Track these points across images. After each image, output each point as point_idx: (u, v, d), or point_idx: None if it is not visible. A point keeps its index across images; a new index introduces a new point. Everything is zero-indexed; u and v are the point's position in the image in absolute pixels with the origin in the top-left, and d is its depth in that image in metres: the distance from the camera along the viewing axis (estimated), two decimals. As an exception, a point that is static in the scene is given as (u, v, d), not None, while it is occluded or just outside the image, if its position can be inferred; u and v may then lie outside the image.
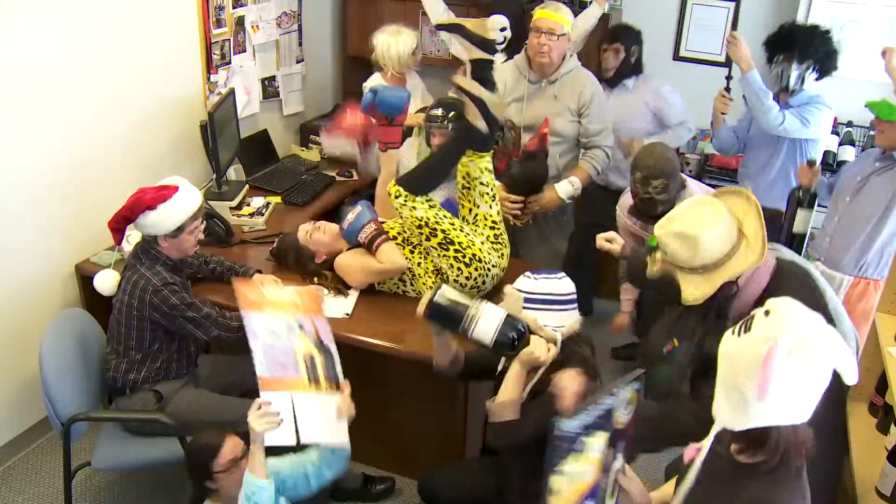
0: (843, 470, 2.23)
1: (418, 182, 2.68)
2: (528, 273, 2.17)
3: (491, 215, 2.77)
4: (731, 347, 1.38)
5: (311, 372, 2.06)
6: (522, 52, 3.22)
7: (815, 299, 1.95)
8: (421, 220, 2.65)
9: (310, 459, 2.13)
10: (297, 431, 1.95)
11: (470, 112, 2.63)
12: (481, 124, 2.62)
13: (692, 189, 2.82)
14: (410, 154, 3.47)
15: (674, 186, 2.74)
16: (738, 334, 1.37)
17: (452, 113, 3.09)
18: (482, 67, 2.68)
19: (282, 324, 2.06)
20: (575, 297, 2.17)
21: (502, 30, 3.60)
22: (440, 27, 2.86)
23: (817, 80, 3.25)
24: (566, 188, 3.16)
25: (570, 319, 2.14)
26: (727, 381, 1.38)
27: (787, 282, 1.97)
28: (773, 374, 1.29)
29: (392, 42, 3.67)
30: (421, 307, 2.05)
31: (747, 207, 1.93)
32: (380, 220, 2.79)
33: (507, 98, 3.19)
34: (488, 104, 2.61)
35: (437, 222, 2.65)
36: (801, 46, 3.17)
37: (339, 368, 2.14)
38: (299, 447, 2.06)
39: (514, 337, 2.00)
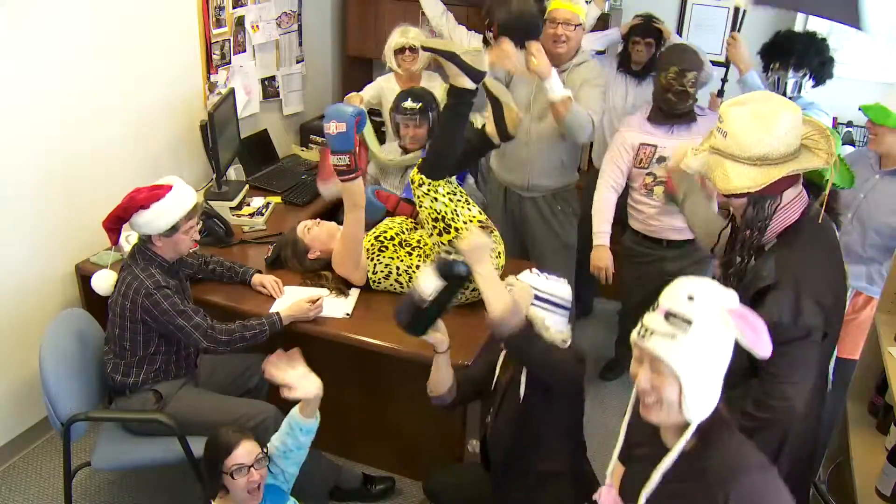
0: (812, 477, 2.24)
1: (437, 164, 2.62)
2: (534, 270, 2.13)
3: (475, 217, 2.71)
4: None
5: None
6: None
7: (835, 246, 1.90)
8: (439, 214, 2.62)
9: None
10: None
11: (451, 72, 2.53)
12: (465, 81, 2.52)
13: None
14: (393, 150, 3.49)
15: (699, 84, 3.01)
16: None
17: (421, 104, 3.12)
18: (462, 97, 2.55)
19: None
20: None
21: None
22: (431, 50, 2.57)
23: (814, 87, 3.25)
24: (559, 82, 2.93)
25: (567, 326, 2.12)
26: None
27: (813, 224, 1.85)
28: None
29: (390, 37, 3.69)
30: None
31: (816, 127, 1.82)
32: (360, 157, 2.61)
33: (517, 82, 3.18)
34: (462, 57, 2.50)
35: (452, 219, 2.62)
36: (798, 54, 3.15)
37: None
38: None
39: (449, 263, 1.99)
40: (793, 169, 1.73)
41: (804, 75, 3.17)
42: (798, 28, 3.75)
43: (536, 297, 2.07)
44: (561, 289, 2.11)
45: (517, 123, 2.69)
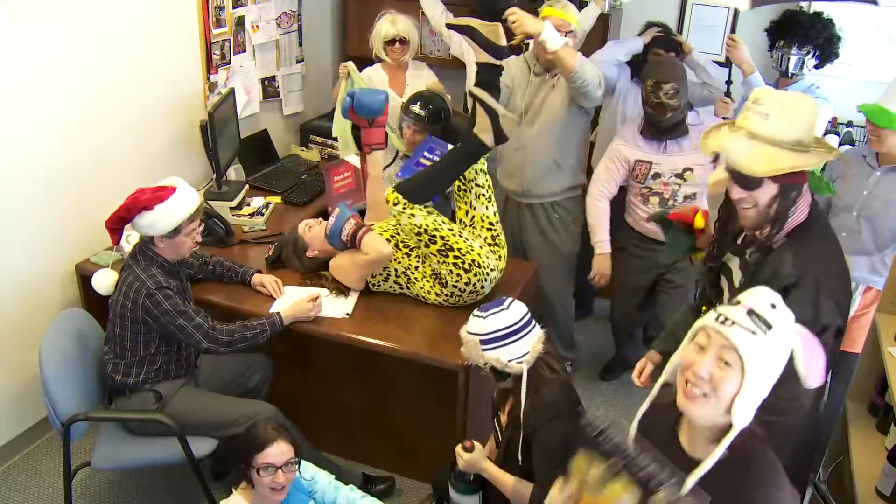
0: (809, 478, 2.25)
1: (418, 190, 2.64)
2: (476, 313, 2.10)
3: (488, 216, 2.74)
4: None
5: None
6: (531, 49, 3.23)
7: (837, 247, 1.93)
8: (420, 228, 2.62)
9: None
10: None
11: (480, 123, 2.58)
12: (489, 138, 2.57)
13: (702, 118, 3.09)
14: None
15: (683, 94, 2.95)
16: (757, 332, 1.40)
17: (430, 107, 3.12)
18: (489, 72, 2.61)
19: None
20: (529, 316, 2.11)
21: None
22: (451, 27, 2.69)
23: (818, 67, 3.23)
24: (553, 31, 2.92)
25: (531, 343, 2.08)
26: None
27: (820, 223, 1.90)
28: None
29: (377, 26, 3.69)
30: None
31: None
32: (371, 223, 2.79)
33: (514, 90, 3.22)
34: (500, 119, 2.55)
35: (436, 229, 2.62)
36: (803, 32, 3.16)
37: None
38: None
39: (462, 475, 2.26)
40: (820, 159, 1.78)
41: (808, 53, 3.18)
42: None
43: (483, 343, 2.06)
44: (505, 318, 2.06)
45: (513, 126, 2.72)
